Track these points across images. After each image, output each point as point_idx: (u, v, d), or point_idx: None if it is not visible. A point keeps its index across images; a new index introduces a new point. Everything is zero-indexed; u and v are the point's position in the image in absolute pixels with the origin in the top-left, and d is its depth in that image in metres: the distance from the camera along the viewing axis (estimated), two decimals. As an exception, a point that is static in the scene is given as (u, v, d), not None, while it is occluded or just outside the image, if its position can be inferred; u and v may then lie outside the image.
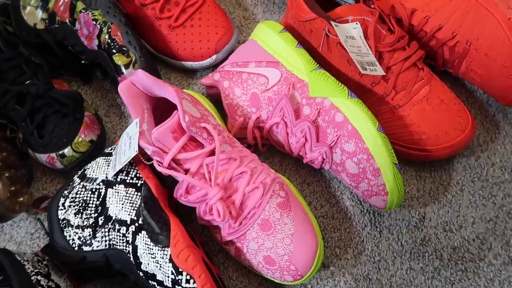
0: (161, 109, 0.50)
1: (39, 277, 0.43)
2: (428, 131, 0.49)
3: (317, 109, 0.46)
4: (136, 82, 0.47)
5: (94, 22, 0.53)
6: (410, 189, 0.52)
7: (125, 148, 0.46)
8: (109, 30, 0.52)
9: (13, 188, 0.51)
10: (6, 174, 0.52)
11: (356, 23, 0.46)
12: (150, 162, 0.46)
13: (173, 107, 0.45)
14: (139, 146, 0.44)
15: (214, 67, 0.59)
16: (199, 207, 0.45)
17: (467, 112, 0.50)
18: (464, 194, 0.52)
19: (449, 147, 0.49)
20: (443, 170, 0.53)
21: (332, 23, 0.47)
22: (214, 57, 0.57)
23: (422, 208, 0.51)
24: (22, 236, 0.54)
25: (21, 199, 0.52)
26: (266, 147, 0.54)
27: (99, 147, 0.54)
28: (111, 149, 0.50)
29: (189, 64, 0.58)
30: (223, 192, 0.43)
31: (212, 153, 0.44)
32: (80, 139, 0.52)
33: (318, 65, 0.49)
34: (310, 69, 0.48)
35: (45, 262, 0.47)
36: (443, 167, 0.53)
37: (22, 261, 0.43)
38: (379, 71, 0.47)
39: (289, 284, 0.46)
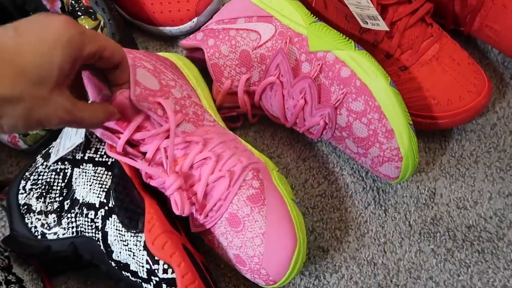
0: None
1: (-6, 270, 0.37)
2: (439, 95, 0.43)
3: (319, 64, 0.40)
4: None
5: (56, -19, 0.46)
6: (419, 162, 0.47)
7: (72, 133, 0.40)
8: (73, -10, 0.46)
9: (-29, 172, 0.46)
10: (-37, 156, 0.46)
11: (355, -29, 0.40)
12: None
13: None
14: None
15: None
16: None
17: (482, 72, 0.44)
18: (479, 167, 0.46)
19: (463, 112, 0.43)
20: (455, 140, 0.47)
21: (327, -29, 0.41)
22: (195, 20, 0.51)
23: (432, 183, 0.46)
24: (-15, 225, 0.48)
25: (-19, 183, 0.46)
26: (257, 117, 0.48)
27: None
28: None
29: (167, 29, 0.52)
30: (182, 180, 0.37)
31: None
32: (45, 114, 0.46)
33: (317, 18, 0.43)
34: (309, 22, 0.42)
35: (6, 254, 0.41)
36: (455, 137, 0.47)
37: (-26, 253, 0.37)
38: (382, 25, 0.41)
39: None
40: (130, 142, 0.38)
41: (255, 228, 0.37)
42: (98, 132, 0.36)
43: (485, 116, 0.48)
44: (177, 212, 0.37)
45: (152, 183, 0.39)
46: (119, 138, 0.37)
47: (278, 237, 0.37)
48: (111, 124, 0.36)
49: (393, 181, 0.42)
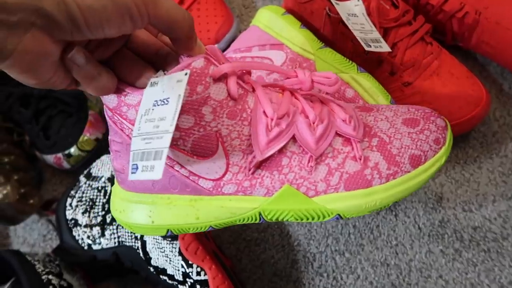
0: None
1: (50, 276, 0.42)
2: (440, 107, 0.47)
3: None
4: None
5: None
6: (425, 169, 0.50)
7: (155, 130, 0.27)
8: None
9: (22, 191, 0.51)
10: (15, 177, 0.52)
11: (358, 0, 0.44)
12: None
13: None
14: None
15: (216, 57, 0.58)
16: (301, 122, 0.31)
17: (480, 84, 0.48)
18: (483, 172, 0.49)
19: (464, 122, 0.47)
20: (459, 148, 0.51)
21: (333, 1, 0.45)
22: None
23: (439, 188, 0.49)
24: (35, 238, 0.54)
25: (31, 201, 0.52)
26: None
27: (106, 145, 0.54)
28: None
29: (190, 56, 0.57)
30: None
31: None
32: (86, 137, 0.52)
33: (323, 44, 0.47)
34: (316, 48, 0.46)
35: (57, 262, 0.47)
36: (459, 144, 0.51)
37: (32, 261, 0.43)
38: (385, 47, 0.45)
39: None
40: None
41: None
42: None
43: (486, 125, 0.51)
44: (330, 79, 0.32)
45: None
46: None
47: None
48: None
49: None
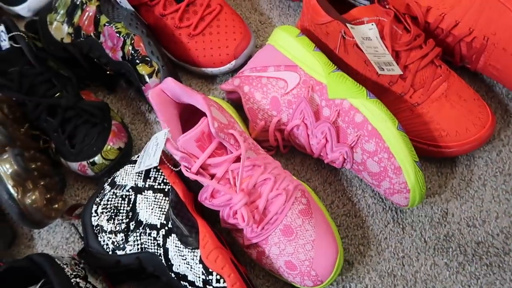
0: (186, 115, 0.52)
1: (77, 279, 0.45)
2: (448, 128, 0.49)
3: (337, 110, 0.47)
4: (165, 89, 0.49)
5: (117, 35, 0.55)
6: (432, 185, 0.53)
7: (151, 153, 0.48)
8: (132, 42, 0.54)
9: (48, 196, 0.54)
10: (42, 183, 0.54)
11: (372, 24, 0.47)
12: (178, 169, 0.48)
13: (200, 113, 0.47)
14: (166, 152, 0.46)
15: (233, 72, 0.60)
16: (223, 211, 0.47)
17: (486, 107, 0.50)
18: (487, 189, 0.52)
19: (469, 143, 0.49)
20: (464, 165, 0.53)
21: (348, 25, 0.48)
22: (233, 62, 0.59)
23: (445, 204, 0.52)
24: (58, 241, 0.57)
25: (56, 205, 0.54)
26: (288, 148, 0.55)
27: (127, 154, 0.57)
28: (137, 157, 0.52)
29: (209, 70, 0.60)
30: (248, 197, 0.44)
31: (237, 159, 0.45)
32: (109, 147, 0.55)
33: (336, 67, 0.50)
34: (328, 71, 0.49)
35: (81, 265, 0.49)
36: (464, 162, 0.53)
37: (61, 265, 0.45)
38: (397, 70, 0.47)
39: None
40: (201, 167, 0.45)
41: (306, 236, 0.45)
42: (178, 156, 0.44)
43: (491, 144, 0.54)
44: (243, 224, 0.44)
45: (214, 201, 0.46)
46: (195, 162, 0.44)
47: (325, 243, 0.46)
48: (191, 148, 0.44)
49: (404, 207, 0.48)
